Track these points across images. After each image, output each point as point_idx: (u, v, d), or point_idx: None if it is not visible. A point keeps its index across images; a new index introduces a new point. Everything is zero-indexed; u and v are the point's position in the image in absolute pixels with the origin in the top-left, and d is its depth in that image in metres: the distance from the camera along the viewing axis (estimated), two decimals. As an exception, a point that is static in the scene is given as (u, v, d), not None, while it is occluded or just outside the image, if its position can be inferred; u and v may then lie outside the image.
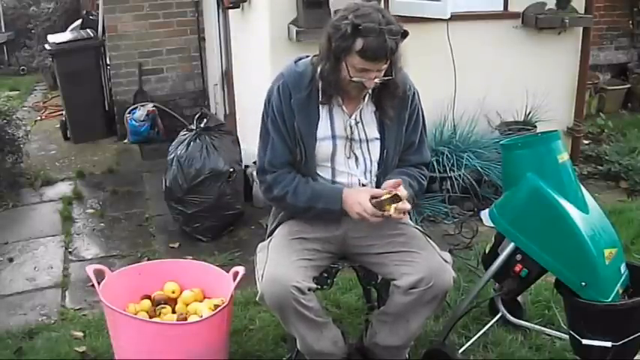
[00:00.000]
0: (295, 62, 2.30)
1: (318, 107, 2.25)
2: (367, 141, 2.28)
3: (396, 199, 2.09)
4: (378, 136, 2.28)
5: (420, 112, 2.36)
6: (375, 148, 2.29)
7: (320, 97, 2.23)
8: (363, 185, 2.28)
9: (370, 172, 2.31)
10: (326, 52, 2.15)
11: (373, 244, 2.29)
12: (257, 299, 2.20)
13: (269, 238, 2.36)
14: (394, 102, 2.24)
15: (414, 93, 2.32)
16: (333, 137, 2.26)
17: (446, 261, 2.22)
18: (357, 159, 2.28)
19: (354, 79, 2.11)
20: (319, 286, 2.35)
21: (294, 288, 2.08)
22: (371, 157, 2.29)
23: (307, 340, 2.20)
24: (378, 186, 2.28)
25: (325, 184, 2.28)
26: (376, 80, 2.12)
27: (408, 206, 2.14)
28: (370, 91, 2.22)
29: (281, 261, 2.19)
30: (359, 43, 2.04)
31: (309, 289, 2.14)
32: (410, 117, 2.31)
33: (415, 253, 2.22)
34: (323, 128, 2.26)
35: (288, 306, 2.10)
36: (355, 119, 2.27)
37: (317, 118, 2.25)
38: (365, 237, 2.31)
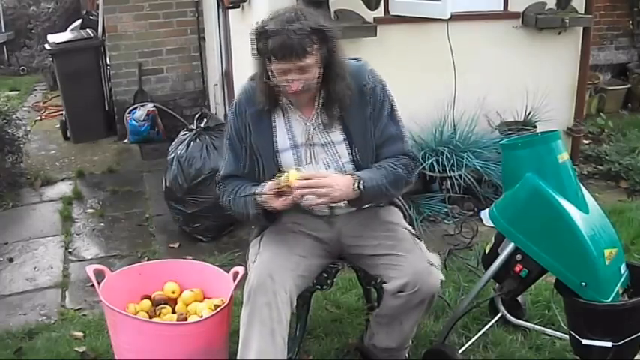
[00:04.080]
0: (250, 79, 2.28)
1: (272, 120, 2.23)
2: (333, 144, 2.22)
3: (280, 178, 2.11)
4: (343, 138, 2.21)
5: (387, 105, 2.24)
6: (343, 150, 2.22)
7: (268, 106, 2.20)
8: None
9: (344, 172, 2.21)
10: (254, 60, 2.15)
11: (365, 244, 2.28)
12: (245, 285, 2.14)
13: (260, 234, 2.34)
14: (345, 101, 2.15)
15: (374, 86, 2.20)
16: (295, 147, 2.22)
17: (432, 264, 2.19)
18: (324, 163, 2.22)
19: (277, 82, 2.08)
20: (319, 287, 2.36)
21: (280, 286, 2.08)
22: (341, 159, 2.23)
23: (251, 344, 2.09)
24: None
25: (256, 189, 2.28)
26: (300, 82, 2.06)
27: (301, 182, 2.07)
28: (323, 93, 2.17)
29: (275, 259, 2.18)
30: (269, 45, 2.03)
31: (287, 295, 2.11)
32: (373, 112, 2.21)
33: (401, 256, 2.19)
34: (282, 140, 2.23)
35: (265, 299, 2.08)
36: (313, 124, 2.22)
37: (272, 130, 2.23)
38: (358, 237, 2.30)
